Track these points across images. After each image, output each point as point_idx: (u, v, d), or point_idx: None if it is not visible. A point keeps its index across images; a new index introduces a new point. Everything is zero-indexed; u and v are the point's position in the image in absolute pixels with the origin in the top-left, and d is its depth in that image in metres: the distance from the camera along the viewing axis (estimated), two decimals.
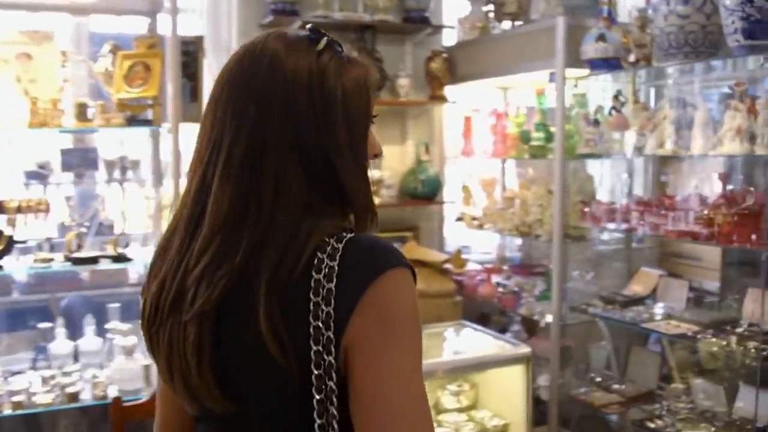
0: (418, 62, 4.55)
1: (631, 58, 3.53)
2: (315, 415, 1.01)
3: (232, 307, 1.04)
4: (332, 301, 0.99)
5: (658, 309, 3.71)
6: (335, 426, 1.01)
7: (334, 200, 1.11)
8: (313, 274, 1.01)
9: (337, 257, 1.01)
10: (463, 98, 4.76)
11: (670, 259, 4.35)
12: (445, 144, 4.86)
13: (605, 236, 4.09)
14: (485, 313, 4.74)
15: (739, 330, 3.25)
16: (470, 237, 5.16)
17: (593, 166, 4.15)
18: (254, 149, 1.06)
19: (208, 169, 1.09)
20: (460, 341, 3.85)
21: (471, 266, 4.75)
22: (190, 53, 3.97)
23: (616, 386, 3.92)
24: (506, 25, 4.45)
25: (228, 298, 1.04)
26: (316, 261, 1.02)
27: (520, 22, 4.37)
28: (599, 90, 3.94)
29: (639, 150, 3.55)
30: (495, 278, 4.56)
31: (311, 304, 1.00)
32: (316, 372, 1.00)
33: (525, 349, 3.53)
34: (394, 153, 4.56)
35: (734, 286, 3.92)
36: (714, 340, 3.21)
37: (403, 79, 4.42)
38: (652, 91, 3.94)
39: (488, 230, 4.60)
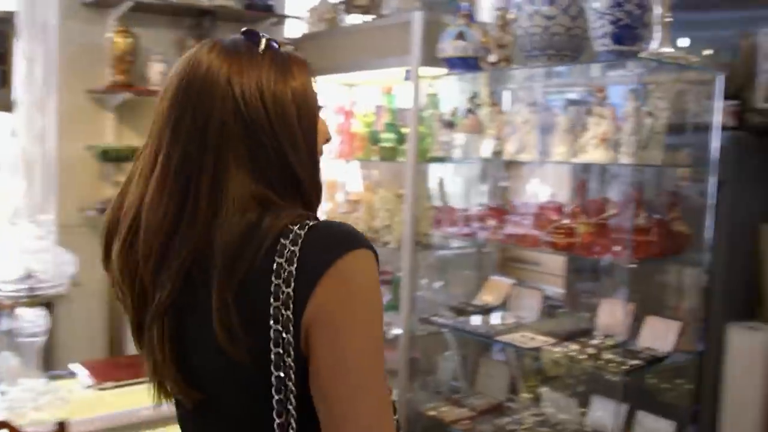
0: None
1: (491, 58, 3.37)
2: (273, 391, 1.04)
3: (193, 305, 1.09)
4: (292, 282, 1.03)
5: (510, 319, 3.59)
6: (292, 400, 1.04)
7: (291, 194, 1.14)
8: (276, 258, 1.04)
9: (299, 242, 1.04)
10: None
11: (512, 264, 4.27)
12: None
13: (456, 243, 3.93)
14: None
15: (594, 342, 3.18)
16: None
17: (446, 171, 3.98)
18: (191, 157, 1.10)
19: (151, 175, 1.13)
20: None
21: None
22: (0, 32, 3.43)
23: (465, 399, 3.77)
24: (356, 18, 4.20)
25: (186, 297, 1.09)
26: (279, 246, 1.05)
27: (372, 16, 4.14)
28: (456, 91, 3.77)
29: (497, 154, 3.40)
30: None
31: (272, 286, 1.03)
32: (274, 350, 1.03)
33: None
34: None
35: (579, 293, 3.89)
36: (566, 351, 3.11)
37: None
38: (509, 94, 3.82)
39: None
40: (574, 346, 3.13)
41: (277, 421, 1.05)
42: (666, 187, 3.21)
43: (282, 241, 1.05)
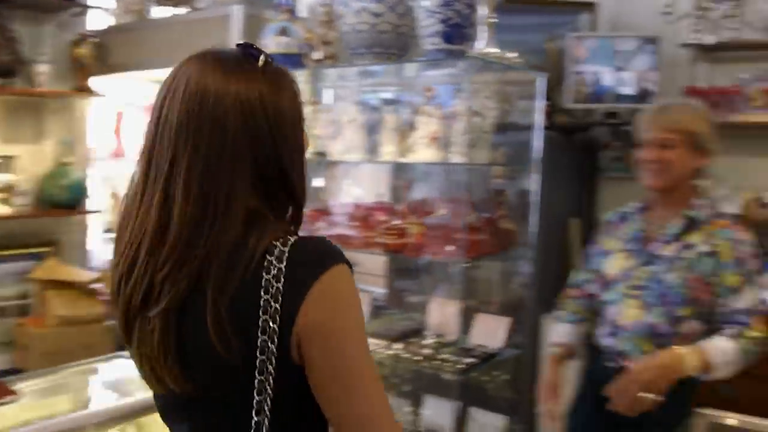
0: (62, 47, 3.84)
1: (316, 55, 3.27)
2: (255, 393, 1.14)
3: (194, 305, 1.15)
4: (279, 298, 1.12)
5: None
6: (269, 402, 1.14)
7: (281, 204, 1.24)
8: (264, 275, 1.12)
9: (284, 259, 1.13)
10: (115, 91, 4.14)
11: None
12: (91, 143, 4.18)
13: None
14: None
15: (427, 341, 3.16)
16: None
17: None
18: (212, 169, 1.15)
19: (169, 188, 1.16)
20: (119, 378, 3.26)
21: None
22: None
23: None
24: (166, 10, 3.95)
25: (189, 297, 1.15)
26: (265, 263, 1.13)
27: (184, 9, 3.90)
28: None
29: (320, 155, 3.30)
30: None
31: (262, 300, 1.12)
32: (260, 357, 1.12)
33: None
34: (28, 153, 3.83)
35: (401, 293, 3.88)
36: (399, 352, 3.08)
37: (42, 66, 3.71)
38: (331, 93, 3.73)
39: None
40: (408, 347, 3.10)
41: (255, 418, 1.16)
42: (492, 186, 3.26)
43: (268, 257, 1.13)
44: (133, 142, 4.09)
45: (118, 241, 1.24)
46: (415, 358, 2.99)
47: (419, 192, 3.35)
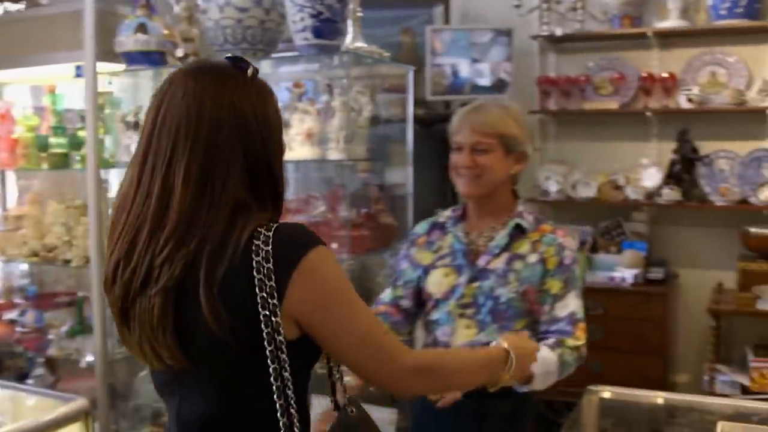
0: None
1: (179, 53, 3.13)
2: (268, 361, 1.28)
3: (190, 285, 1.27)
4: (272, 276, 1.26)
5: None
6: (287, 368, 1.29)
7: (264, 197, 1.36)
8: (253, 257, 1.26)
9: (270, 242, 1.27)
10: None
11: None
12: None
13: None
14: None
15: None
16: None
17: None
18: (209, 165, 1.29)
19: (167, 181, 1.29)
20: None
21: None
22: None
23: None
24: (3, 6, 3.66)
25: (186, 277, 1.27)
26: (253, 247, 1.27)
27: (23, 4, 3.63)
28: (137, 88, 3.45)
29: None
30: (7, 315, 3.75)
31: (256, 280, 1.26)
32: (265, 330, 1.27)
33: (79, 402, 2.85)
34: None
35: None
36: None
37: None
38: None
39: None
40: None
41: (275, 384, 1.29)
42: (365, 180, 3.25)
43: (255, 242, 1.27)
44: None
45: (112, 231, 1.36)
46: None
47: (292, 190, 3.29)
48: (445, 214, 2.25)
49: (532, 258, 2.07)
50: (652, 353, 3.98)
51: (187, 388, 1.36)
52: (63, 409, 2.77)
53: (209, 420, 1.35)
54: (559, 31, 4.39)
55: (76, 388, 3.66)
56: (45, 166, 3.56)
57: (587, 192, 4.32)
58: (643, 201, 4.20)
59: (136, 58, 3.18)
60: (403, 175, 3.33)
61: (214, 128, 1.30)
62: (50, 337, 3.55)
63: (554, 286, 2.06)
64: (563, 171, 4.47)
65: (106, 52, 3.18)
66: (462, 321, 2.10)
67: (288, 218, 3.03)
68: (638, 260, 4.16)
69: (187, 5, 3.09)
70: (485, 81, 4.49)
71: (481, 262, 2.10)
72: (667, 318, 4.00)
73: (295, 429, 1.32)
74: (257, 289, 1.26)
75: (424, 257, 2.20)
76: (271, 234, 1.27)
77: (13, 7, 3.63)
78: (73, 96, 3.85)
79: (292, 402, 1.31)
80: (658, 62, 4.34)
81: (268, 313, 1.26)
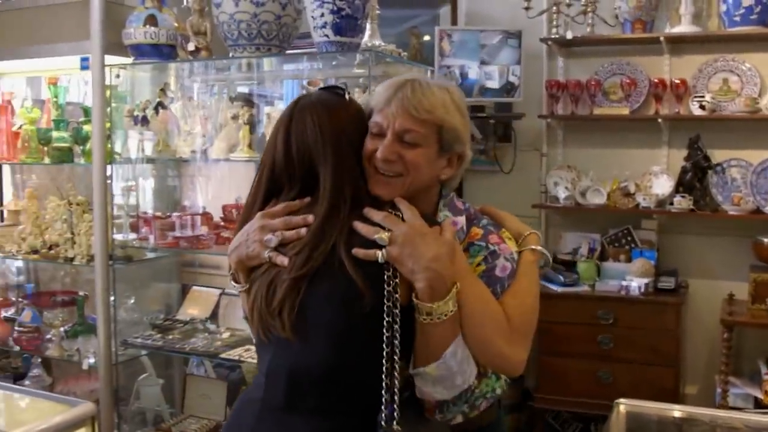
0: None
1: (190, 46, 3.04)
2: (384, 330, 1.48)
3: (319, 274, 1.53)
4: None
5: (225, 332, 3.30)
6: (398, 336, 1.48)
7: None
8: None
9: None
10: None
11: (187, 270, 3.96)
12: None
13: (152, 254, 3.49)
14: None
15: None
16: None
17: (141, 172, 3.52)
18: (341, 171, 1.60)
19: (309, 185, 1.62)
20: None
21: None
22: None
23: (178, 426, 3.40)
24: None
25: (318, 268, 1.53)
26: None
27: None
28: (144, 82, 3.35)
29: (204, 153, 3.08)
30: (4, 313, 3.63)
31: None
32: (387, 303, 1.48)
33: (86, 407, 2.75)
34: None
35: None
36: None
37: None
38: (203, 87, 3.47)
39: None
40: None
41: (386, 350, 1.47)
42: None
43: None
44: None
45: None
46: None
47: None
48: None
49: None
50: (663, 364, 3.91)
51: (296, 351, 1.55)
52: (71, 413, 2.69)
53: (319, 376, 1.52)
54: (569, 35, 4.32)
55: (74, 390, 3.56)
56: (47, 160, 3.45)
57: (597, 199, 4.25)
58: (654, 209, 4.14)
59: (145, 51, 3.08)
60: None
61: (342, 143, 1.60)
62: (49, 336, 3.44)
63: None
64: (572, 177, 4.41)
65: (113, 44, 3.09)
66: None
67: None
68: (648, 269, 4.09)
69: None
70: (494, 83, 4.41)
71: None
72: (678, 328, 3.93)
73: (395, 391, 1.48)
74: (385, 270, 1.49)
75: None
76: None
77: None
78: (74, 89, 3.76)
79: (396, 366, 1.47)
80: (669, 68, 4.28)
81: (391, 289, 1.48)
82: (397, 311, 1.46)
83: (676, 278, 4.10)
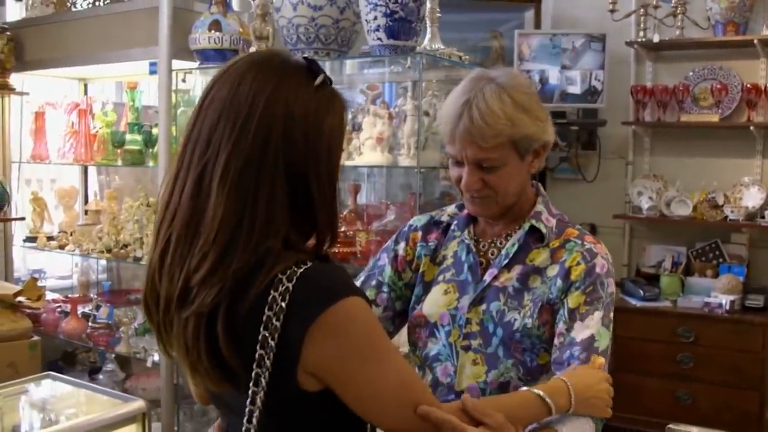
0: None
1: (253, 50, 3.06)
2: (248, 402, 1.17)
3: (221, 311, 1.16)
4: (276, 337, 1.13)
5: None
6: (257, 413, 1.16)
7: (303, 224, 1.21)
8: (266, 311, 1.13)
9: (287, 297, 1.13)
10: (34, 90, 3.85)
11: None
12: (9, 145, 3.88)
13: None
14: (69, 352, 3.91)
15: None
16: (40, 259, 4.24)
17: None
18: (251, 168, 1.15)
19: (204, 178, 1.16)
20: (49, 403, 2.99)
21: (48, 296, 3.86)
22: None
23: None
24: (86, 1, 3.68)
25: (219, 303, 1.15)
26: (269, 299, 1.14)
27: (107, 0, 3.64)
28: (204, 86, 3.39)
29: None
30: (81, 309, 3.76)
31: (260, 336, 1.14)
32: (252, 388, 1.16)
33: (137, 404, 2.81)
34: None
35: None
36: None
37: None
38: None
39: (73, 253, 3.77)
40: None
41: (245, 426, 1.18)
42: (442, 189, 3.10)
43: (272, 292, 1.13)
44: (55, 144, 3.80)
45: (154, 229, 1.25)
46: None
47: (362, 197, 3.17)
48: (448, 211, 1.78)
49: (552, 270, 1.59)
50: (748, 387, 3.68)
51: (230, 409, 1.28)
52: (120, 410, 2.73)
53: None
54: (656, 38, 4.13)
55: (145, 385, 3.64)
56: (120, 162, 3.56)
57: (682, 210, 4.05)
58: (744, 222, 3.90)
59: (209, 56, 3.12)
60: None
61: (263, 132, 1.16)
62: (120, 334, 3.54)
63: (574, 299, 1.55)
64: (657, 187, 4.21)
65: (182, 49, 3.14)
66: (468, 355, 1.61)
67: (356, 226, 2.92)
68: (735, 286, 3.86)
69: (261, 3, 3.01)
70: (576, 89, 4.27)
71: (487, 277, 1.63)
72: (765, 350, 3.69)
73: None
74: (258, 346, 1.14)
75: (425, 269, 1.72)
76: (291, 284, 1.13)
77: (94, 2, 3.64)
78: (153, 93, 3.86)
79: None
80: (765, 73, 4.03)
81: (260, 371, 1.15)
82: (265, 382, 1.16)
83: (765, 296, 3.85)
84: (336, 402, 1.19)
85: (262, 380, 1.15)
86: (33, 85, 3.89)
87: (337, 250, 2.83)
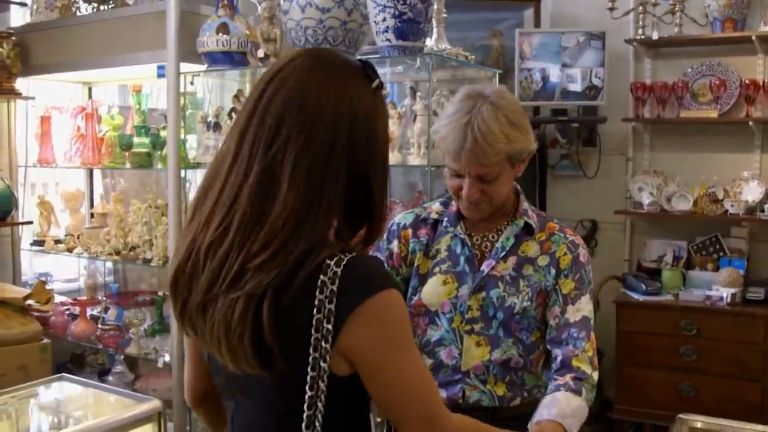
0: None
1: (260, 53, 3.09)
2: (305, 407, 1.21)
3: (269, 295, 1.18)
4: (332, 319, 1.18)
5: None
6: (320, 418, 1.21)
7: (354, 219, 1.28)
8: (317, 294, 1.18)
9: (337, 281, 1.18)
10: (38, 94, 3.87)
11: None
12: (16, 150, 3.91)
13: None
14: (78, 354, 3.94)
15: None
16: (46, 263, 4.26)
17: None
18: (319, 165, 1.20)
19: (271, 173, 1.19)
20: (65, 405, 3.02)
21: (56, 299, 3.89)
22: None
23: None
24: (90, 6, 3.71)
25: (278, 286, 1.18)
26: (319, 282, 1.18)
27: (111, 4, 3.67)
28: (218, 89, 3.43)
29: None
30: (90, 311, 3.79)
31: (314, 319, 1.17)
32: (311, 373, 1.19)
33: (153, 404, 2.84)
34: None
35: None
36: None
37: None
38: None
39: (81, 256, 3.79)
40: None
41: (307, 413, 1.22)
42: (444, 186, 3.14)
43: (321, 277, 1.18)
44: (61, 148, 3.83)
45: (196, 211, 1.27)
46: None
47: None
48: (435, 209, 1.93)
49: (543, 260, 1.84)
50: (749, 379, 3.73)
51: (246, 394, 1.31)
52: (136, 410, 2.76)
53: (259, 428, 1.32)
54: (655, 35, 4.18)
55: (155, 386, 3.67)
56: (128, 165, 3.59)
57: (683, 205, 4.10)
58: (744, 216, 3.95)
59: (217, 59, 3.15)
60: None
61: (331, 130, 1.20)
62: (130, 335, 3.57)
63: (566, 286, 1.82)
64: (658, 183, 4.26)
65: (189, 52, 3.17)
66: (471, 338, 1.83)
67: None
68: (736, 279, 3.91)
69: (269, 5, 3.04)
70: (576, 86, 4.31)
71: (485, 267, 1.83)
72: (766, 341, 3.74)
73: None
74: (313, 330, 1.18)
75: (420, 263, 1.89)
76: (340, 270, 1.18)
77: (99, 7, 3.67)
78: (158, 96, 3.89)
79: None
80: (762, 68, 4.08)
81: (318, 356, 1.19)
82: (324, 386, 1.21)
83: (766, 289, 3.90)
84: (354, 391, 1.25)
85: (321, 364, 1.18)
86: (37, 89, 3.91)
87: None
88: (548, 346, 1.82)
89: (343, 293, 1.17)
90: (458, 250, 1.86)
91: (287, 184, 1.18)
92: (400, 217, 1.97)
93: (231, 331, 1.19)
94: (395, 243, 1.91)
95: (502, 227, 1.87)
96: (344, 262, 1.19)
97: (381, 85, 1.28)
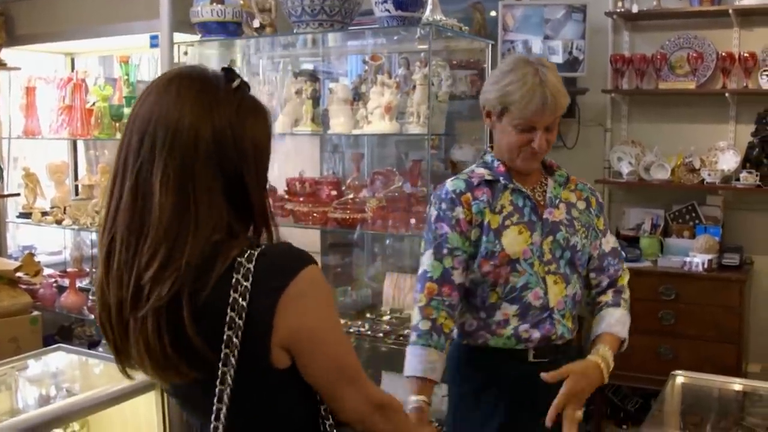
0: None
1: (255, 23, 3.11)
2: (217, 382, 1.24)
3: (178, 304, 1.21)
4: (244, 316, 1.22)
5: None
6: (228, 392, 1.24)
7: (242, 215, 1.30)
8: (231, 293, 1.22)
9: (250, 277, 1.22)
10: (25, 65, 3.83)
11: None
12: (1, 120, 3.87)
13: None
14: (66, 326, 3.94)
15: (386, 318, 3.09)
16: (30, 235, 4.24)
17: None
18: (187, 166, 1.23)
19: (142, 181, 1.23)
20: (64, 375, 3.03)
21: (45, 271, 3.88)
22: None
23: None
24: None
25: (174, 296, 1.20)
26: (233, 281, 1.22)
27: None
28: (210, 60, 3.43)
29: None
30: (78, 283, 3.79)
31: (227, 317, 1.22)
32: (222, 368, 1.23)
33: None
34: None
35: (334, 268, 3.80)
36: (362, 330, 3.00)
37: None
38: (268, 63, 3.55)
39: (70, 227, 3.78)
40: (366, 324, 3.02)
41: (216, 405, 1.26)
42: (440, 156, 3.20)
43: (235, 275, 1.22)
44: (47, 119, 3.80)
45: (99, 245, 1.30)
46: (377, 334, 2.91)
47: (367, 164, 3.25)
48: (482, 172, 2.05)
49: (582, 205, 2.11)
50: (725, 341, 3.86)
51: (194, 406, 1.36)
52: (139, 379, 2.78)
53: None
54: (635, 8, 4.26)
55: None
56: (119, 135, 3.58)
57: (661, 174, 4.21)
58: (719, 185, 4.08)
59: (211, 28, 3.16)
60: (473, 153, 3.27)
61: (192, 135, 1.24)
62: None
63: (600, 222, 2.13)
64: (636, 152, 4.36)
65: (183, 22, 3.17)
66: (550, 278, 2.02)
67: (363, 194, 3.00)
68: (712, 245, 4.04)
69: None
70: (558, 58, 4.38)
71: (547, 215, 2.04)
72: (741, 305, 3.88)
73: None
74: (225, 327, 1.22)
75: (489, 219, 2.00)
76: (252, 265, 1.23)
77: None
78: (145, 67, 3.88)
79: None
80: (738, 41, 4.19)
81: (228, 352, 1.22)
82: (234, 360, 1.24)
83: (740, 255, 4.04)
84: (298, 383, 1.30)
85: (231, 359, 1.22)
86: (18, 59, 3.87)
87: (347, 216, 2.92)
88: (592, 275, 2.12)
89: (263, 285, 1.22)
90: (520, 203, 2.03)
91: (158, 191, 1.21)
92: (451, 184, 2.06)
93: (151, 348, 1.22)
94: (459, 209, 2.01)
95: (542, 180, 2.09)
96: (255, 256, 1.23)
97: (243, 84, 1.31)
